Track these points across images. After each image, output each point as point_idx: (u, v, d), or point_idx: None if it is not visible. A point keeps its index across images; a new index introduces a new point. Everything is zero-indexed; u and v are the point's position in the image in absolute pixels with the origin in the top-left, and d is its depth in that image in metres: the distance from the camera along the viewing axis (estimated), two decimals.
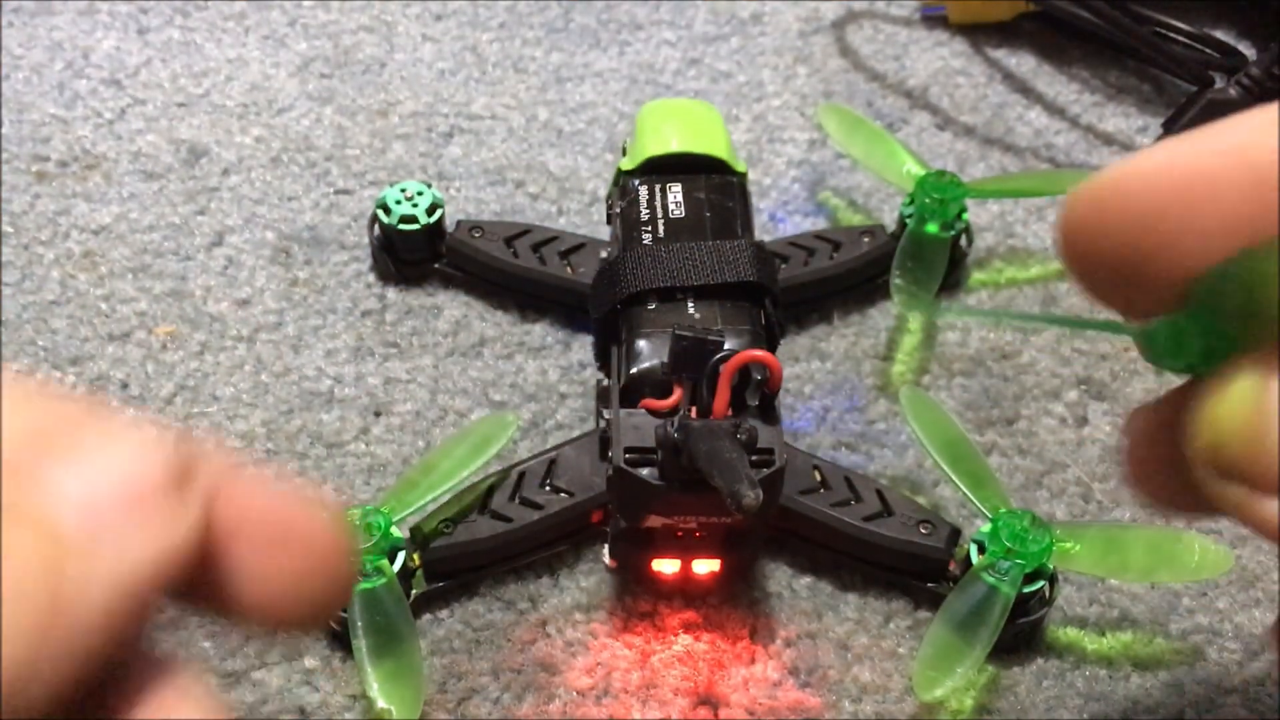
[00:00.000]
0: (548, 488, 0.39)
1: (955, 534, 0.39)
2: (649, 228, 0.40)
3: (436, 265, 0.46)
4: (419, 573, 0.38)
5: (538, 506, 0.38)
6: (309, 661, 0.38)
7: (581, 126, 0.52)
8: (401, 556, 0.37)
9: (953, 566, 0.38)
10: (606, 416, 0.37)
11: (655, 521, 0.35)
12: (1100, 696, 0.38)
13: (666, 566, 0.38)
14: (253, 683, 0.37)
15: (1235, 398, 0.17)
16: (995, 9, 0.56)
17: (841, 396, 0.44)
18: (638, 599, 0.39)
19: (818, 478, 0.39)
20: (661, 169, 0.42)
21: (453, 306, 0.46)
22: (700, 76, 0.54)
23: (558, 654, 0.38)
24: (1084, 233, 0.18)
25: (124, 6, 0.56)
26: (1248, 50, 0.54)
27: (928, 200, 0.45)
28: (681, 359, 0.33)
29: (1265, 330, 0.17)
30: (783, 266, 0.44)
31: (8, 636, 0.14)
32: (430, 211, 0.45)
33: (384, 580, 0.36)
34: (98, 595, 0.15)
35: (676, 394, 0.34)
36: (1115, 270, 0.18)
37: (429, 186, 0.45)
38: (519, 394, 0.44)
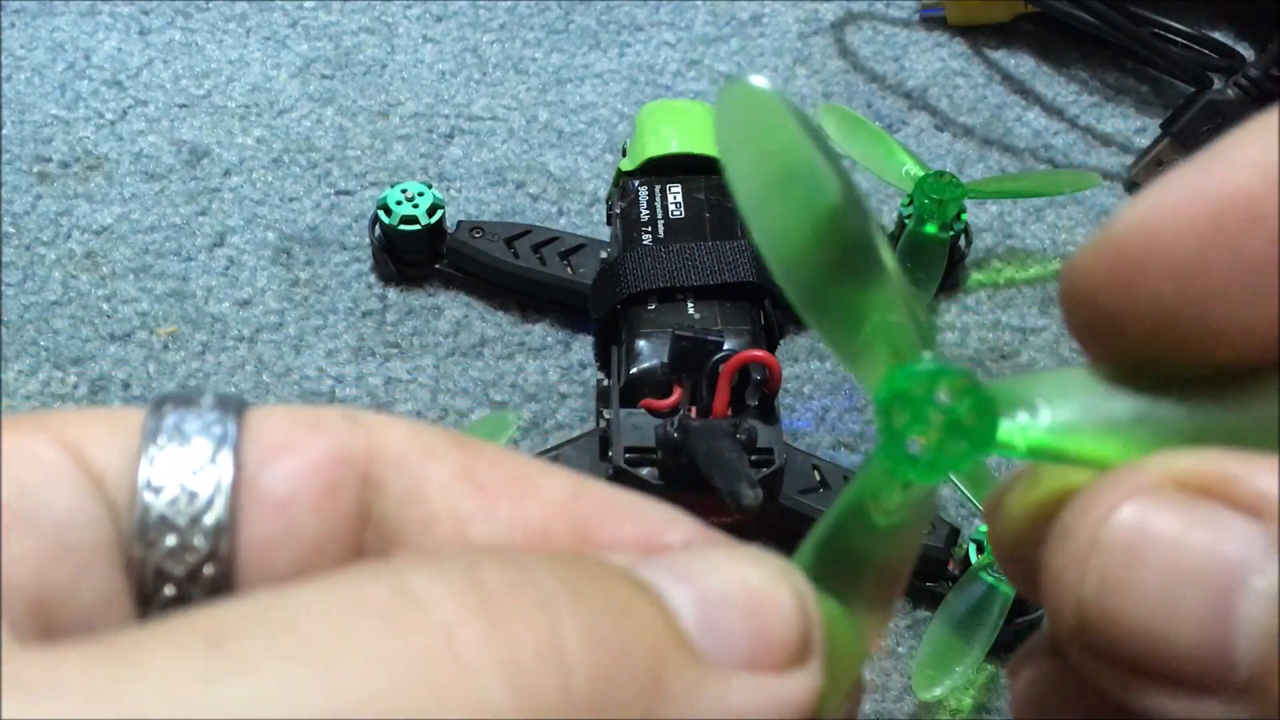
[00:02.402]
0: None
1: (954, 533, 0.39)
2: (649, 228, 0.40)
3: (437, 266, 0.46)
4: None
5: None
6: None
7: (582, 127, 0.52)
8: None
9: (951, 566, 0.38)
10: (606, 416, 0.37)
11: None
12: None
13: None
14: None
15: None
16: (994, 10, 0.56)
17: (841, 396, 0.44)
18: None
19: (818, 478, 0.39)
20: (661, 170, 0.42)
21: (453, 307, 0.46)
22: (700, 78, 0.55)
23: None
24: (1101, 296, 0.14)
25: (125, 8, 0.56)
26: (1246, 51, 0.54)
27: (927, 201, 0.45)
28: (681, 359, 0.33)
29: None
30: None
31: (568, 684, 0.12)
32: (431, 212, 0.45)
33: None
34: None
35: (676, 394, 0.34)
36: (1143, 336, 0.14)
37: (430, 187, 0.46)
38: (519, 394, 0.44)
